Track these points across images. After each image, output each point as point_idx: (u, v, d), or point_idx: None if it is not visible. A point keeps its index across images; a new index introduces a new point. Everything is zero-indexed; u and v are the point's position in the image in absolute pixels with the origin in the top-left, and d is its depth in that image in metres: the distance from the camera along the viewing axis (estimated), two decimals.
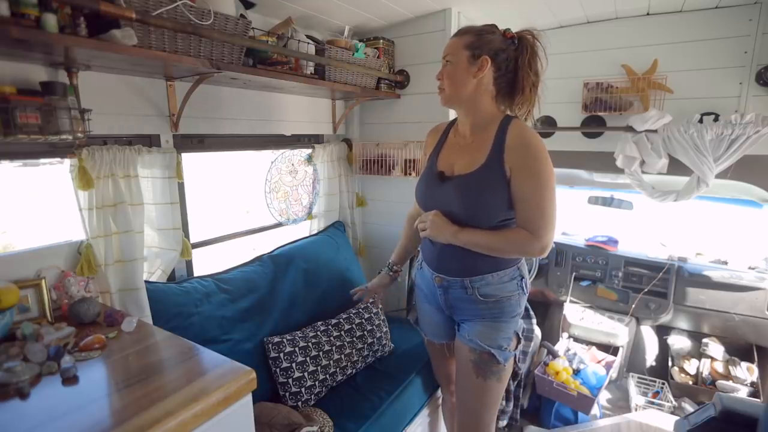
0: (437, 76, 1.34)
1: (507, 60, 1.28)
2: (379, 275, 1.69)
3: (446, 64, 1.31)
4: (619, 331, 2.52)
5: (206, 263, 1.96)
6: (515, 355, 1.42)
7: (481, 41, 1.26)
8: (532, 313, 1.58)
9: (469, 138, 1.35)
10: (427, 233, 1.36)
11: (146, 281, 1.45)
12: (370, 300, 1.76)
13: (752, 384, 2.24)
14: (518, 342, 1.43)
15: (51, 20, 0.95)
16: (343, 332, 1.81)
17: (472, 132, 1.34)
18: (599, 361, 2.50)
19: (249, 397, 0.94)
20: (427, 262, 1.47)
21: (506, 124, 1.28)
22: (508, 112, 1.35)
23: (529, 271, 2.29)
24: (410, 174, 2.26)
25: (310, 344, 1.68)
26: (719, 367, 2.35)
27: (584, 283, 2.74)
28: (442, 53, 1.33)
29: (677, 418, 1.74)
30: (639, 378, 2.55)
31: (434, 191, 1.36)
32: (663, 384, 2.48)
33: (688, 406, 2.30)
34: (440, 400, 1.93)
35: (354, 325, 1.86)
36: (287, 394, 1.58)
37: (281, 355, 1.61)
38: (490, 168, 1.25)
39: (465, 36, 1.29)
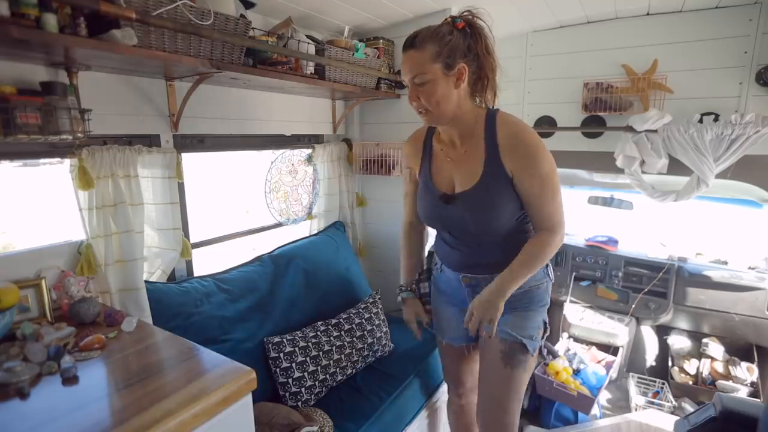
0: (410, 100, 1.20)
1: (473, 55, 1.19)
2: (406, 303, 1.55)
3: (418, 85, 1.16)
4: (619, 331, 2.52)
5: (206, 263, 1.96)
6: (540, 345, 1.42)
7: (446, 47, 1.14)
8: None
9: (461, 148, 1.30)
10: (479, 318, 1.27)
11: (146, 281, 1.46)
12: (426, 322, 1.58)
13: (752, 384, 2.24)
14: (545, 331, 1.42)
15: (51, 20, 0.95)
16: (343, 332, 1.81)
17: (462, 141, 1.29)
18: (599, 361, 2.50)
19: (249, 397, 0.95)
20: (448, 264, 1.44)
21: (492, 122, 1.23)
22: (485, 104, 1.28)
23: None
24: None
25: (310, 344, 1.68)
26: (719, 367, 2.34)
27: (584, 283, 2.74)
28: (404, 74, 1.19)
29: (677, 418, 1.73)
30: (639, 378, 2.55)
31: (441, 212, 1.33)
32: (663, 384, 2.47)
33: (688, 406, 2.29)
34: (439, 401, 1.93)
35: (354, 325, 1.86)
36: (287, 394, 1.58)
37: (281, 355, 1.61)
38: (491, 175, 1.23)
39: (426, 47, 1.14)
